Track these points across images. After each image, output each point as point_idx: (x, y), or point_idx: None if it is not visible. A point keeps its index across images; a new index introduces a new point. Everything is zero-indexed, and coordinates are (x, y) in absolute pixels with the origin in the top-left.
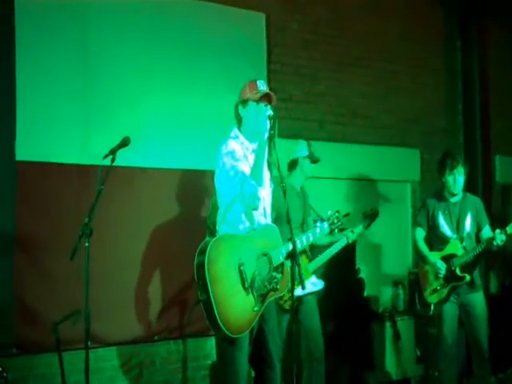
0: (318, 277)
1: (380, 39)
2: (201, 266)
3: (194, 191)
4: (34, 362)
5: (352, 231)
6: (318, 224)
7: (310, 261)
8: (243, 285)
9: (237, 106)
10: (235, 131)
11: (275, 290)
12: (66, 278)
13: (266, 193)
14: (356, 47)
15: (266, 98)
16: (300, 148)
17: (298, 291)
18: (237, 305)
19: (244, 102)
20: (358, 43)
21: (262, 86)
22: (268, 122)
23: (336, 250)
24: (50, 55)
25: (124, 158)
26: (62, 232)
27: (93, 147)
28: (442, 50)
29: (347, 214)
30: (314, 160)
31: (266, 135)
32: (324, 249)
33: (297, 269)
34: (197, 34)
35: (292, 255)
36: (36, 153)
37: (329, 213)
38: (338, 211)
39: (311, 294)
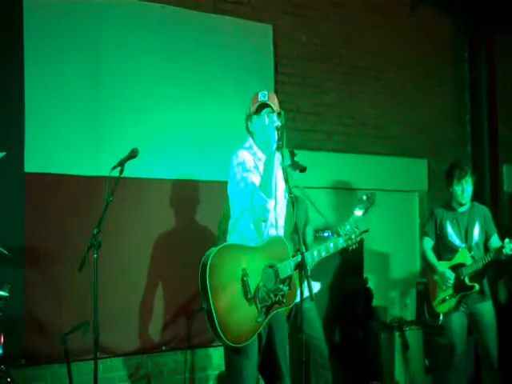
0: (314, 279)
1: (388, 50)
2: (203, 274)
3: (203, 202)
4: (42, 372)
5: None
6: (328, 237)
7: None
8: (245, 295)
9: (246, 122)
10: (249, 141)
11: (280, 302)
12: (74, 288)
13: (280, 204)
14: (364, 58)
15: (266, 106)
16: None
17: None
18: (238, 315)
19: (249, 117)
20: (366, 54)
21: (263, 97)
22: (276, 132)
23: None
24: (60, 65)
25: (133, 169)
26: (70, 243)
27: (102, 158)
28: (449, 61)
29: (366, 231)
30: (297, 169)
31: (274, 146)
32: None
33: (305, 280)
34: (205, 45)
35: (300, 266)
36: (45, 164)
37: (347, 227)
38: (357, 227)
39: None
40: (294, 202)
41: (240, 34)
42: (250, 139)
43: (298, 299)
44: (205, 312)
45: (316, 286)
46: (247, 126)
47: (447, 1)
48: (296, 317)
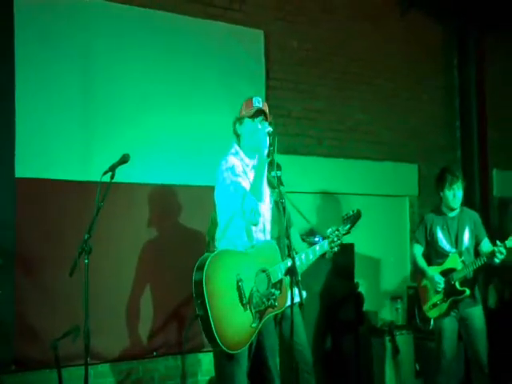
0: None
1: (379, 57)
2: (199, 281)
3: (195, 207)
4: (32, 378)
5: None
6: (319, 241)
7: None
8: (241, 301)
9: (234, 124)
10: (235, 147)
11: (273, 306)
12: (65, 294)
13: (265, 209)
14: (355, 64)
15: (260, 114)
16: None
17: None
18: (234, 321)
19: (240, 119)
20: (357, 60)
21: (258, 103)
22: (267, 138)
23: (314, 259)
24: (51, 71)
25: (124, 174)
26: (62, 248)
27: (93, 164)
28: (439, 67)
29: (348, 232)
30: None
31: (266, 151)
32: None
33: (295, 286)
34: (196, 51)
35: (291, 271)
36: (36, 169)
37: (329, 230)
38: (338, 229)
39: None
40: (284, 208)
41: (231, 39)
42: (236, 145)
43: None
44: (200, 320)
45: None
46: (235, 128)
47: (437, 7)
48: (281, 322)
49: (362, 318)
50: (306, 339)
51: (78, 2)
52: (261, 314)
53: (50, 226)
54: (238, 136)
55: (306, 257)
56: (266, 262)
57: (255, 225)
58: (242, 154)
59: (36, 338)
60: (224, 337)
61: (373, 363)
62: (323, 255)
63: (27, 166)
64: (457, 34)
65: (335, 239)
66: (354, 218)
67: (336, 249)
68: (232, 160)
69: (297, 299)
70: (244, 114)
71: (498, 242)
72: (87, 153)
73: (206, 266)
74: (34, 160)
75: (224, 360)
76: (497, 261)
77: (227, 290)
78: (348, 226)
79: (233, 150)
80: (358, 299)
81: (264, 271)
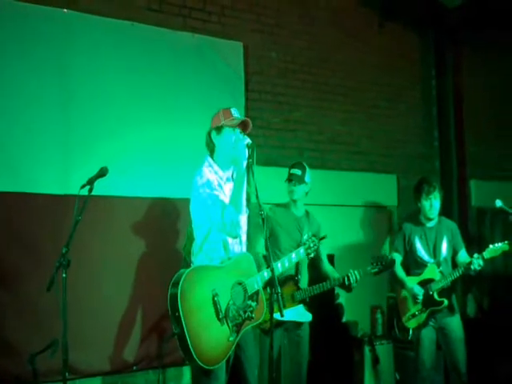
0: (307, 309)
1: (358, 68)
2: (174, 298)
3: (175, 220)
4: None
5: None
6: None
7: (299, 289)
8: (217, 316)
9: (209, 134)
10: (209, 160)
11: (250, 318)
12: (43, 308)
13: (243, 221)
14: (334, 76)
15: (240, 125)
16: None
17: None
18: (211, 336)
19: (218, 128)
20: (336, 72)
21: (237, 114)
22: (246, 150)
23: (329, 287)
24: (29, 85)
25: (104, 188)
26: (40, 262)
27: (72, 177)
28: (417, 78)
29: (323, 238)
30: (287, 179)
31: (245, 163)
32: (317, 281)
33: (275, 296)
34: (175, 63)
35: (271, 282)
36: (14, 183)
37: (304, 237)
38: (314, 235)
39: (297, 323)
40: (264, 220)
41: (211, 51)
42: (209, 158)
43: (280, 318)
44: (177, 337)
45: (304, 317)
46: (211, 138)
47: (414, 19)
48: (288, 337)
49: (342, 328)
50: (306, 358)
51: (54, 13)
52: (238, 327)
53: (28, 240)
54: (211, 147)
55: (281, 265)
56: (242, 275)
57: (235, 237)
58: (216, 166)
59: (13, 353)
60: (201, 353)
61: (353, 373)
62: (346, 286)
63: (5, 179)
64: (434, 45)
65: (311, 245)
66: (385, 266)
67: (313, 254)
68: (206, 174)
69: (302, 319)
70: (224, 123)
71: (475, 255)
72: (66, 167)
73: (180, 283)
74: (11, 173)
75: (202, 375)
76: (474, 271)
77: (203, 306)
78: (376, 270)
79: (206, 164)
80: (338, 310)
81: (240, 284)
